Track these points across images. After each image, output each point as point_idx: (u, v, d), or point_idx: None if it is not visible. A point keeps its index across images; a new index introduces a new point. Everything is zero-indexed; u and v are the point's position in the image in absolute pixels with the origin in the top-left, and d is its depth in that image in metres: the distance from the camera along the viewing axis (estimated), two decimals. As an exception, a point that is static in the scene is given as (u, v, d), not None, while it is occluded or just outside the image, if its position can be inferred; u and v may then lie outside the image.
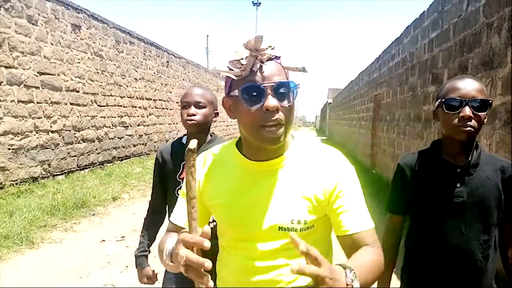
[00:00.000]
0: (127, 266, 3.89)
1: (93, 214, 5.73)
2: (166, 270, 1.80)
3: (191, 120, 1.79)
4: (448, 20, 5.33)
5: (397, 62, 8.47)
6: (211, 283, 0.82)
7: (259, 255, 1.06)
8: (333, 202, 1.05)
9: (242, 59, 0.99)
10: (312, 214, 1.05)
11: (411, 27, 7.32)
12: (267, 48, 0.99)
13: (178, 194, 1.60)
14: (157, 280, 1.99)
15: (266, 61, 1.00)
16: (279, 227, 1.04)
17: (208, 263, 0.79)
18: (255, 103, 0.98)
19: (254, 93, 0.98)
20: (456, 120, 1.40)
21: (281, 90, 0.99)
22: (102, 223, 5.45)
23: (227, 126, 23.05)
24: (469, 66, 4.51)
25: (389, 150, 8.78)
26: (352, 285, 0.84)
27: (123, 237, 4.83)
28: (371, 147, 11.28)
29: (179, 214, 1.17)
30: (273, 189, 1.07)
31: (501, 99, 3.65)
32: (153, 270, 1.97)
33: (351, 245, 1.03)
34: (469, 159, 1.46)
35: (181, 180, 1.84)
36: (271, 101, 0.97)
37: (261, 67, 0.99)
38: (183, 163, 1.82)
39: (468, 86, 1.41)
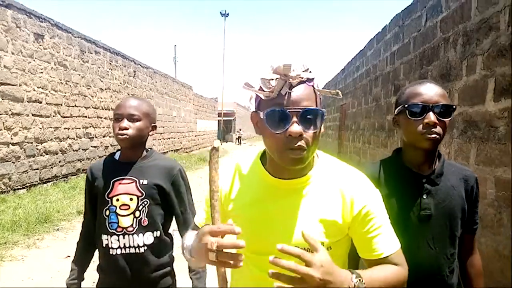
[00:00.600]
0: (94, 282, 3.78)
1: (57, 229, 5.53)
2: None
3: (123, 134, 1.64)
4: (408, 34, 5.60)
5: (361, 73, 8.77)
6: (241, 264, 0.88)
7: (276, 268, 1.08)
8: (360, 225, 1.07)
9: (272, 79, 1.00)
10: (329, 237, 1.07)
11: (374, 40, 7.62)
12: (297, 75, 0.99)
13: (107, 215, 1.66)
14: None
15: (298, 85, 1.00)
16: (296, 246, 1.03)
17: (242, 242, 0.87)
18: (280, 127, 0.98)
19: (279, 118, 0.98)
20: (420, 126, 1.31)
21: (308, 116, 0.99)
22: (67, 238, 5.25)
23: (195, 136, 22.89)
24: (428, 78, 4.75)
25: (355, 158, 9.01)
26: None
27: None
28: (338, 155, 11.54)
29: (205, 216, 1.24)
30: (294, 208, 1.08)
31: (458, 109, 3.86)
32: None
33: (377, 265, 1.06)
34: (433, 168, 1.40)
35: (109, 200, 1.68)
36: (295, 128, 0.97)
37: (287, 92, 0.99)
38: (113, 180, 1.69)
39: (430, 91, 1.34)
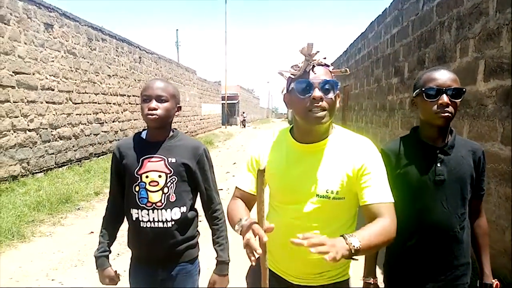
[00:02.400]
0: (118, 254, 4.12)
1: (78, 209, 5.90)
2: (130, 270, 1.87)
3: (152, 114, 1.70)
4: (407, 18, 5.81)
5: (363, 55, 8.97)
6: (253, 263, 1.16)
7: (299, 215, 1.41)
8: (360, 178, 1.36)
9: (299, 63, 1.37)
10: (343, 187, 1.37)
11: (375, 22, 7.80)
12: (316, 53, 1.34)
13: (136, 191, 1.74)
14: (119, 280, 1.89)
15: (317, 65, 1.36)
16: (316, 194, 1.38)
17: (259, 251, 1.13)
18: (306, 93, 1.33)
19: (306, 86, 1.33)
20: (435, 107, 1.53)
21: (326, 86, 1.33)
22: (88, 217, 5.63)
23: (200, 120, 23.18)
24: (426, 60, 5.00)
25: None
26: (352, 245, 1.13)
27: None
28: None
29: (245, 181, 1.55)
30: (315, 165, 1.40)
31: (452, 89, 4.13)
32: (115, 271, 1.87)
33: (370, 216, 1.32)
34: (446, 141, 1.61)
35: (139, 176, 1.74)
36: (317, 93, 1.32)
37: (312, 69, 1.35)
38: (142, 158, 1.76)
39: (444, 76, 1.55)
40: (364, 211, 1.38)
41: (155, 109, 1.70)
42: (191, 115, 20.81)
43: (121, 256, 3.92)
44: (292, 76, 1.39)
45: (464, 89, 1.56)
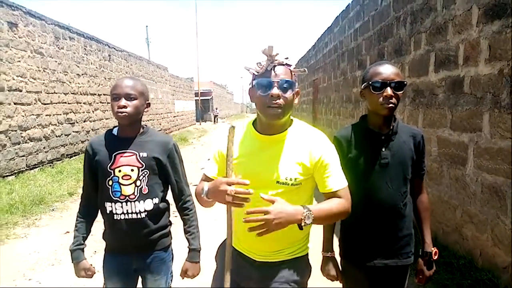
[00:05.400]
0: (95, 251, 4.19)
1: (53, 210, 5.90)
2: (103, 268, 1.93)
3: (122, 112, 1.77)
4: (367, 13, 6.08)
5: (330, 49, 9.24)
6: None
7: (260, 199, 1.53)
8: (319, 168, 1.54)
9: (262, 61, 1.52)
10: (300, 175, 1.54)
11: (340, 17, 8.07)
12: (277, 55, 1.49)
13: (110, 185, 1.83)
14: (94, 273, 1.95)
15: (278, 65, 1.51)
16: (277, 181, 1.55)
17: (251, 190, 1.36)
18: (266, 91, 1.49)
19: (266, 84, 1.49)
20: (381, 98, 1.70)
21: (285, 85, 1.49)
22: (63, 217, 5.65)
23: (174, 117, 23.06)
24: (385, 53, 5.27)
25: (328, 130, 9.58)
26: (305, 220, 1.39)
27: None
28: (313, 128, 12.08)
29: (210, 169, 1.71)
30: (276, 155, 1.56)
31: (409, 81, 4.41)
32: (91, 264, 1.93)
33: (330, 198, 1.56)
34: (391, 128, 1.79)
35: (111, 171, 1.82)
36: (275, 90, 1.47)
37: (273, 68, 1.50)
38: (114, 153, 1.85)
39: (388, 70, 1.72)
40: (327, 196, 1.60)
41: (124, 107, 1.77)
42: (164, 112, 20.68)
43: (98, 254, 4.00)
44: (256, 73, 1.54)
45: (405, 82, 1.74)
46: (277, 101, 1.48)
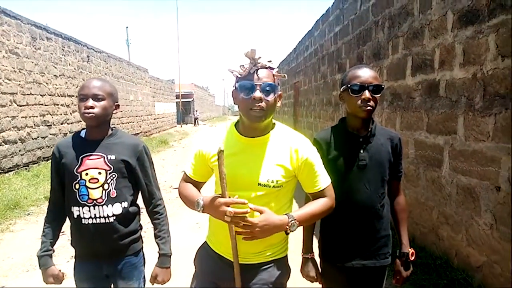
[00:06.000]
0: (72, 256, 4.12)
1: (28, 214, 5.75)
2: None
3: (89, 113, 1.74)
4: (347, 17, 6.17)
5: (310, 52, 9.33)
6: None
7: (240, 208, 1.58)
8: (304, 170, 1.57)
9: (245, 64, 1.53)
10: (282, 177, 1.56)
11: (320, 21, 8.16)
12: (259, 58, 1.50)
13: (76, 189, 1.79)
14: (63, 279, 1.90)
15: (261, 68, 1.52)
16: (258, 183, 1.56)
17: (248, 209, 1.44)
18: (248, 94, 1.50)
19: (248, 87, 1.50)
20: (359, 101, 1.73)
21: (267, 88, 1.50)
22: (39, 222, 5.50)
23: (154, 119, 22.82)
24: (364, 57, 5.36)
25: (308, 133, 9.66)
26: (290, 228, 1.48)
27: (63, 232, 4.96)
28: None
29: (189, 168, 1.75)
30: (258, 157, 1.57)
31: (386, 84, 4.49)
32: (60, 270, 1.88)
33: (317, 197, 1.63)
34: (369, 130, 1.82)
35: (78, 174, 1.78)
36: (257, 94, 1.48)
37: (256, 71, 1.51)
38: (81, 156, 1.80)
39: (366, 74, 1.76)
40: (311, 196, 1.66)
41: (91, 107, 1.74)
42: (145, 114, 20.43)
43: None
44: (239, 76, 1.55)
45: (383, 85, 1.78)
46: (260, 104, 1.49)
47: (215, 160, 1.63)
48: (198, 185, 1.78)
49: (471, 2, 2.99)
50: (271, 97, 1.52)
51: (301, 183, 1.65)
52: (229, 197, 1.48)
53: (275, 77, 1.56)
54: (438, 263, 3.40)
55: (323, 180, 1.63)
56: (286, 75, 1.68)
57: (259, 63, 1.51)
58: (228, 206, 1.44)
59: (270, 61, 1.55)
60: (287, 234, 1.55)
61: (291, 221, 1.48)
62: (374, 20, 4.96)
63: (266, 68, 1.53)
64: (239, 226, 1.47)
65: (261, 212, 1.47)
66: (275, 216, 1.48)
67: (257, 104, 1.49)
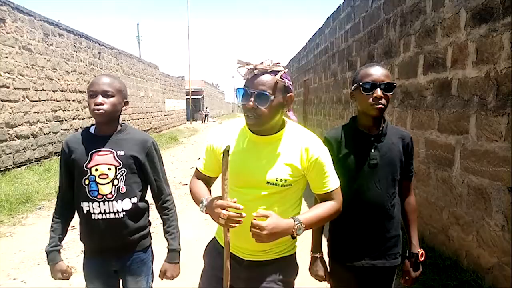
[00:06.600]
0: (82, 251, 4.18)
1: (39, 208, 5.83)
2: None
3: (99, 109, 1.75)
4: (358, 14, 6.12)
5: (321, 50, 9.28)
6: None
7: (251, 198, 1.58)
8: (314, 170, 1.56)
9: (249, 66, 1.51)
10: (290, 176, 1.55)
11: (331, 18, 8.11)
12: (261, 63, 1.49)
13: (86, 184, 1.80)
14: (71, 274, 1.91)
15: (262, 74, 1.48)
16: (267, 181, 1.55)
17: (244, 214, 1.43)
18: (243, 101, 1.50)
19: (243, 94, 1.51)
20: (371, 99, 1.71)
21: (261, 97, 1.46)
22: (50, 216, 5.51)
23: (164, 116, 22.95)
24: (375, 55, 5.31)
25: (318, 131, 9.62)
26: (297, 232, 1.47)
27: (73, 226, 5.00)
28: (303, 129, 12.11)
29: (201, 164, 1.76)
30: (268, 155, 1.57)
31: (398, 82, 4.45)
32: (68, 265, 1.89)
33: (324, 199, 1.62)
34: (380, 129, 1.80)
35: (88, 170, 1.79)
36: (250, 103, 1.47)
37: (253, 77, 1.49)
38: (90, 151, 1.81)
39: (378, 72, 1.74)
40: (319, 197, 1.65)
41: (101, 104, 1.74)
42: (155, 111, 20.56)
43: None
44: (244, 78, 1.54)
45: (394, 84, 1.76)
46: (253, 113, 1.49)
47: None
48: (209, 181, 1.78)
49: (485, 0, 2.94)
50: (265, 106, 1.47)
51: (309, 183, 1.64)
52: (229, 199, 1.47)
53: (279, 82, 1.50)
54: (448, 263, 3.37)
55: (333, 182, 1.61)
56: (287, 81, 1.53)
57: (256, 69, 1.48)
58: (224, 209, 1.43)
59: (278, 64, 1.50)
60: (294, 238, 1.54)
61: (297, 224, 1.47)
62: (385, 18, 4.91)
63: (269, 72, 1.49)
64: (251, 231, 1.45)
65: (267, 217, 1.45)
66: (282, 220, 1.46)
67: (250, 113, 1.49)
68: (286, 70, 1.55)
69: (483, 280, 2.98)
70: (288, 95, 1.55)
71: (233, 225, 1.43)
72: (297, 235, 1.50)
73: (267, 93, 1.47)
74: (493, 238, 2.88)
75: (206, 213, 1.55)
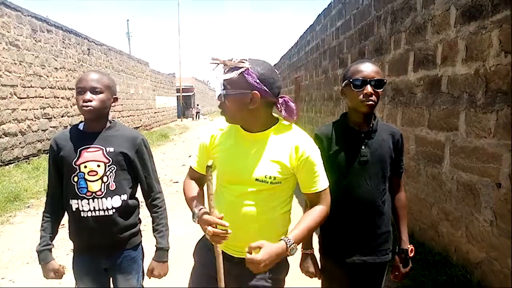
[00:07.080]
0: (71, 249, 4.14)
1: (28, 206, 5.76)
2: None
3: (87, 106, 1.73)
4: (349, 11, 6.13)
5: (312, 47, 9.29)
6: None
7: (241, 195, 1.58)
8: (303, 168, 1.55)
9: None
10: (280, 174, 1.54)
11: (322, 15, 8.11)
12: (222, 61, 1.51)
13: (75, 181, 1.78)
14: (64, 273, 1.89)
15: (227, 71, 1.50)
16: (256, 178, 1.55)
17: (230, 231, 1.46)
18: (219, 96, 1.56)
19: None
20: (361, 96, 1.71)
21: (224, 92, 1.51)
22: (39, 214, 5.45)
23: (155, 113, 22.80)
24: (366, 52, 5.33)
25: (309, 128, 9.64)
26: (291, 252, 1.47)
27: (63, 225, 4.97)
28: (294, 126, 12.13)
29: (195, 161, 1.77)
30: (256, 152, 1.56)
31: (388, 79, 4.47)
32: (60, 264, 1.87)
33: (311, 200, 1.63)
34: (370, 126, 1.81)
35: (77, 167, 1.77)
36: (221, 98, 1.53)
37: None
38: (79, 148, 1.79)
39: (368, 68, 1.74)
40: (307, 197, 1.65)
41: (89, 100, 1.73)
42: (145, 108, 20.41)
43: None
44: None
45: (385, 80, 1.77)
46: (221, 107, 1.58)
47: (215, 152, 1.66)
48: (203, 178, 1.76)
49: (474, -3, 2.97)
50: (229, 102, 1.53)
51: (299, 182, 1.63)
52: (217, 214, 1.49)
53: (244, 78, 1.48)
54: (437, 259, 3.40)
55: (322, 182, 1.60)
56: (250, 78, 1.48)
57: (225, 64, 1.51)
58: (210, 225, 1.47)
59: (243, 60, 1.49)
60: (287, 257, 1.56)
61: (289, 245, 1.47)
62: (376, 15, 4.93)
63: (232, 69, 1.49)
64: (248, 266, 1.45)
65: (260, 247, 1.43)
66: (274, 246, 1.44)
67: (221, 108, 1.58)
68: (250, 66, 1.49)
69: (472, 275, 3.02)
70: (252, 92, 1.49)
71: (220, 241, 1.47)
72: (291, 254, 1.50)
73: (225, 89, 1.52)
74: (481, 234, 2.91)
75: (198, 223, 1.57)
